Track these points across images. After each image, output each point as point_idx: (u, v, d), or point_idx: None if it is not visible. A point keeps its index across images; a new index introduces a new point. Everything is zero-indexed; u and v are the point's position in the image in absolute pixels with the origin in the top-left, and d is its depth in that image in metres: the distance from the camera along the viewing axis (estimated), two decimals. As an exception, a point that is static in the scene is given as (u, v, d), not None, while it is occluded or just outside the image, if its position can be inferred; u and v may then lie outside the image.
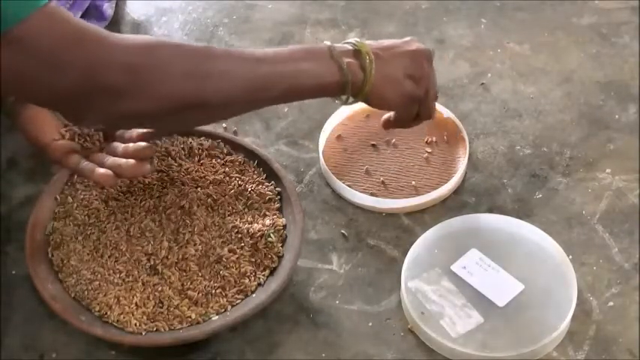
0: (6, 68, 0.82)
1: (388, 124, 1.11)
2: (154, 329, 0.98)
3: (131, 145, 1.02)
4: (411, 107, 1.05)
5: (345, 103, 1.00)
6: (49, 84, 0.84)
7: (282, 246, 1.04)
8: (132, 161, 1.00)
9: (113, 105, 0.86)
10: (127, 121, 0.92)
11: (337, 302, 1.04)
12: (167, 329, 0.98)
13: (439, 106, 1.21)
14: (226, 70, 0.91)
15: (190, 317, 0.98)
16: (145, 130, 1.03)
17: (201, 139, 1.12)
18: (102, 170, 0.99)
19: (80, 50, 0.84)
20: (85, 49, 0.84)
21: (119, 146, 1.02)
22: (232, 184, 1.08)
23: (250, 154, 1.12)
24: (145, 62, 0.86)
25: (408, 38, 1.04)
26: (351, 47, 0.99)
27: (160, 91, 0.87)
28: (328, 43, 0.98)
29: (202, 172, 1.09)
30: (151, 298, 0.99)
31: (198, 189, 1.07)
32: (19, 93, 0.92)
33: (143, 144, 1.02)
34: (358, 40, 1.00)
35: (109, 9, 1.33)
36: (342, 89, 0.98)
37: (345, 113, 1.22)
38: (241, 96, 0.92)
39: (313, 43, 1.00)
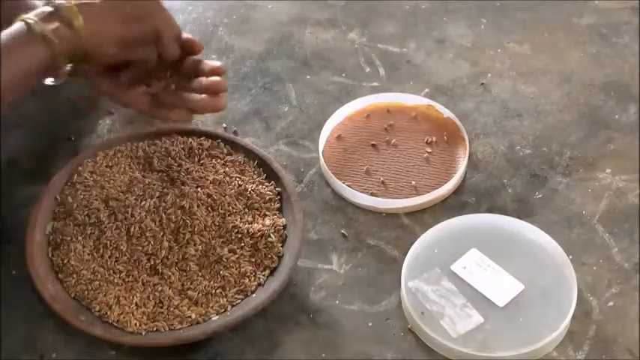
0: None
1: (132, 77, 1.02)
2: (154, 329, 0.98)
3: (204, 79, 1.02)
4: (142, 51, 0.98)
5: (70, 75, 0.94)
6: None
7: (282, 246, 1.04)
8: (205, 96, 1.01)
9: None
10: None
11: (337, 302, 1.04)
12: (167, 329, 0.98)
13: (439, 106, 1.21)
14: None
15: (190, 317, 0.98)
16: (217, 63, 1.03)
17: (201, 139, 1.12)
18: (176, 110, 1.02)
19: None
20: None
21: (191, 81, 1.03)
22: (232, 184, 1.08)
23: (250, 154, 1.12)
24: None
25: None
26: (51, 8, 0.91)
27: None
28: (28, 17, 0.90)
29: (202, 172, 1.09)
30: (151, 298, 0.99)
31: (199, 189, 1.07)
32: None
33: (216, 78, 1.01)
34: None
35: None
36: (56, 62, 0.91)
37: (345, 113, 1.22)
38: None
39: (15, 25, 0.89)
